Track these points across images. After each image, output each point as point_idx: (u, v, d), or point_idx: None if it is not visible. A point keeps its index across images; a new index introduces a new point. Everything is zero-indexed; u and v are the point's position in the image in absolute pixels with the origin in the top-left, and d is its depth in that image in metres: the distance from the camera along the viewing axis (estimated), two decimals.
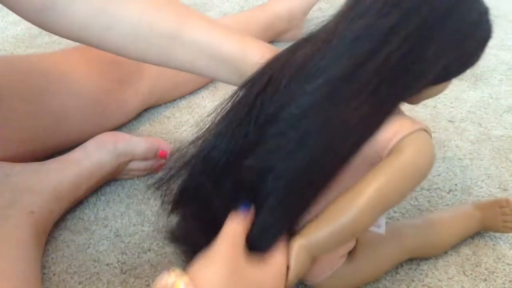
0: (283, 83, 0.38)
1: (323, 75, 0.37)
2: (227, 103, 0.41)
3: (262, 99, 0.39)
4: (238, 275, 0.35)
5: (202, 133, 0.42)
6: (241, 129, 0.39)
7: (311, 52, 0.39)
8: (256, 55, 0.44)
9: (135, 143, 0.62)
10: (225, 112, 0.41)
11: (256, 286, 0.36)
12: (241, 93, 0.41)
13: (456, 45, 0.38)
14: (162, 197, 0.42)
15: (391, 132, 0.39)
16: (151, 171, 0.65)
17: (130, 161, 0.63)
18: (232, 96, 0.41)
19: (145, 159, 0.63)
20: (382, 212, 0.38)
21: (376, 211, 0.38)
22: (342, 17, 0.39)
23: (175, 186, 0.42)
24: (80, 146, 0.62)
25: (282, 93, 0.38)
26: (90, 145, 0.61)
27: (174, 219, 0.45)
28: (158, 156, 0.64)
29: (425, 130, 0.39)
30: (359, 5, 0.38)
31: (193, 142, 0.42)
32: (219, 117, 0.41)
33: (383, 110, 0.38)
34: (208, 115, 0.42)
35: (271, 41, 0.90)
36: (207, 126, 0.42)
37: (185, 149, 0.42)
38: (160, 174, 0.42)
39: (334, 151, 0.38)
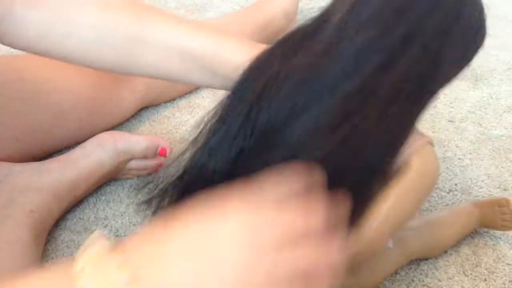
0: (281, 95, 0.34)
1: (332, 92, 0.33)
2: (216, 112, 0.37)
3: (257, 110, 0.34)
4: None
5: (190, 144, 0.38)
6: (235, 144, 0.35)
7: (309, 63, 0.34)
8: (234, 52, 0.41)
9: (134, 141, 0.62)
10: (215, 122, 0.37)
11: None
12: (231, 101, 0.37)
13: (465, 48, 0.37)
14: (153, 212, 0.40)
15: None
16: (150, 170, 0.65)
17: (130, 160, 0.63)
18: (221, 104, 0.37)
19: (144, 157, 0.63)
20: (398, 227, 0.38)
21: (391, 229, 0.38)
22: (342, 22, 0.35)
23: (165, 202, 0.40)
24: (79, 145, 0.62)
25: (280, 106, 0.34)
26: (90, 144, 0.61)
27: None
28: (158, 154, 0.64)
29: (430, 143, 0.39)
30: (358, 11, 0.34)
31: (182, 154, 0.39)
32: (208, 128, 0.37)
33: (405, 123, 0.36)
34: (197, 126, 0.38)
35: (269, 42, 0.90)
36: (195, 137, 0.38)
37: (175, 162, 0.39)
38: (149, 188, 0.40)
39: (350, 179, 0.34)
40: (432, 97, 0.37)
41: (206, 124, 0.37)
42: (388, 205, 0.37)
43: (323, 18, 0.36)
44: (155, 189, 0.39)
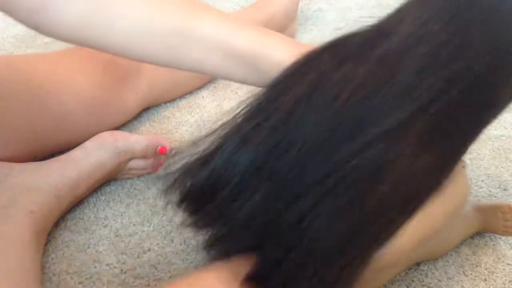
0: (324, 104, 0.32)
1: (379, 125, 0.31)
2: (248, 107, 0.35)
3: (297, 116, 0.32)
4: None
5: (220, 129, 0.37)
6: (266, 143, 0.33)
7: (358, 81, 0.32)
8: (279, 50, 0.40)
9: (134, 141, 0.62)
10: (250, 113, 0.35)
11: None
12: (266, 97, 0.35)
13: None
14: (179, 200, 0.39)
15: None
16: (150, 170, 0.66)
17: (130, 159, 0.63)
18: (255, 100, 0.35)
19: (144, 157, 0.64)
20: (421, 243, 0.38)
21: (414, 244, 0.38)
22: (399, 45, 0.33)
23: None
24: (80, 145, 0.62)
25: (323, 120, 0.31)
26: (90, 144, 0.61)
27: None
28: (158, 152, 0.64)
29: (463, 166, 0.39)
30: (418, 39, 0.33)
31: (208, 135, 0.37)
32: (243, 116, 0.35)
33: (448, 161, 0.35)
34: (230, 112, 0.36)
35: None
36: (226, 123, 0.36)
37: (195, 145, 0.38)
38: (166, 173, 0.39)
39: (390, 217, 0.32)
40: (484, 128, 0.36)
41: (239, 112, 0.36)
42: (415, 222, 0.35)
43: (385, 30, 0.35)
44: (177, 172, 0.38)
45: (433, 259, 0.52)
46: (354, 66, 0.33)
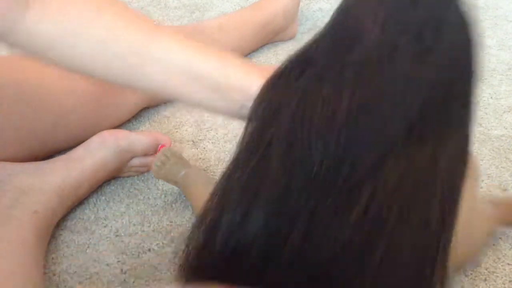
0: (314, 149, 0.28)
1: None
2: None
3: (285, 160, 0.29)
4: None
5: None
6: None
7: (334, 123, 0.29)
8: (241, 76, 0.39)
9: (136, 139, 0.62)
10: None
11: None
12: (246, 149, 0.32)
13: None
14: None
15: None
16: (151, 167, 0.66)
17: (131, 157, 0.63)
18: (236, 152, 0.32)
19: (146, 154, 0.64)
20: None
21: None
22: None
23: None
24: (81, 144, 0.62)
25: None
26: (92, 143, 0.61)
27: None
28: (158, 150, 0.64)
29: (472, 177, 0.36)
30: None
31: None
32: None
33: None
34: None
35: (269, 41, 0.90)
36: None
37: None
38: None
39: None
40: None
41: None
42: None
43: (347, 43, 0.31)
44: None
45: (461, 265, 0.50)
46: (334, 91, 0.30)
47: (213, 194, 0.33)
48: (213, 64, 0.41)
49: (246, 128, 0.33)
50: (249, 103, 0.35)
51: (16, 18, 0.38)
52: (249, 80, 0.39)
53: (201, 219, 0.32)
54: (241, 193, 0.30)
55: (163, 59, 0.41)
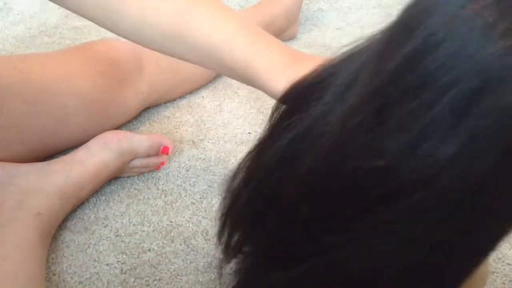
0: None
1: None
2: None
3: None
4: None
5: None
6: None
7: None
8: (266, 66, 0.39)
9: (138, 141, 0.62)
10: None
11: None
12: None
13: None
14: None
15: None
16: (153, 168, 0.66)
17: (133, 159, 0.63)
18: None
19: (147, 156, 0.64)
20: None
21: None
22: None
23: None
24: (83, 145, 0.62)
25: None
26: (94, 144, 0.61)
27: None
28: (161, 152, 0.64)
29: None
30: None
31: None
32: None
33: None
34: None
35: None
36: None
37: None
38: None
39: None
40: None
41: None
42: None
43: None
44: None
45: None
46: None
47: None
48: (239, 53, 0.40)
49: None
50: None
51: None
52: (276, 79, 0.38)
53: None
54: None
55: (192, 47, 0.42)
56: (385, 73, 0.25)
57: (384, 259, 0.28)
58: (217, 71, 0.44)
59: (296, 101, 0.34)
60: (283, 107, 0.36)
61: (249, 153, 0.38)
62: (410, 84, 0.24)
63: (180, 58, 0.44)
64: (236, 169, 0.38)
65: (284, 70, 0.38)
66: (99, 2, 0.42)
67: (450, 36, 0.23)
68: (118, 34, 0.45)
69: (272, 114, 0.37)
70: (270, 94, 0.39)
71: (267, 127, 0.37)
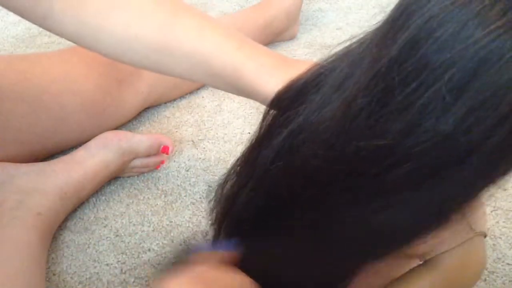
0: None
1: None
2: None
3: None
4: None
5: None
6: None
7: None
8: (254, 67, 0.39)
9: (138, 140, 0.62)
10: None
11: None
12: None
13: None
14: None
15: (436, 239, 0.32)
16: (153, 168, 0.66)
17: (133, 159, 0.63)
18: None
19: (148, 155, 0.64)
20: None
21: None
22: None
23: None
24: (83, 145, 0.62)
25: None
26: (94, 144, 0.61)
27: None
28: (161, 151, 0.64)
29: (482, 235, 0.33)
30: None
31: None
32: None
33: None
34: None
35: (270, 42, 0.90)
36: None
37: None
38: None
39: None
40: None
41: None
42: None
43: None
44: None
45: None
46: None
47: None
48: (226, 60, 0.40)
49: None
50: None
51: (45, 7, 0.40)
52: (266, 82, 0.38)
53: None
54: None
55: (179, 57, 0.41)
56: (387, 57, 0.26)
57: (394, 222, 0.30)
58: (203, 81, 0.43)
59: (293, 100, 0.34)
60: (277, 108, 0.37)
61: (241, 157, 0.39)
62: (412, 66, 0.25)
63: (164, 72, 0.43)
64: (226, 174, 0.39)
65: (272, 71, 0.39)
66: (80, 19, 0.41)
67: (448, 19, 0.24)
68: (100, 52, 0.43)
69: (265, 116, 0.37)
70: (258, 97, 0.39)
71: (260, 128, 0.37)
